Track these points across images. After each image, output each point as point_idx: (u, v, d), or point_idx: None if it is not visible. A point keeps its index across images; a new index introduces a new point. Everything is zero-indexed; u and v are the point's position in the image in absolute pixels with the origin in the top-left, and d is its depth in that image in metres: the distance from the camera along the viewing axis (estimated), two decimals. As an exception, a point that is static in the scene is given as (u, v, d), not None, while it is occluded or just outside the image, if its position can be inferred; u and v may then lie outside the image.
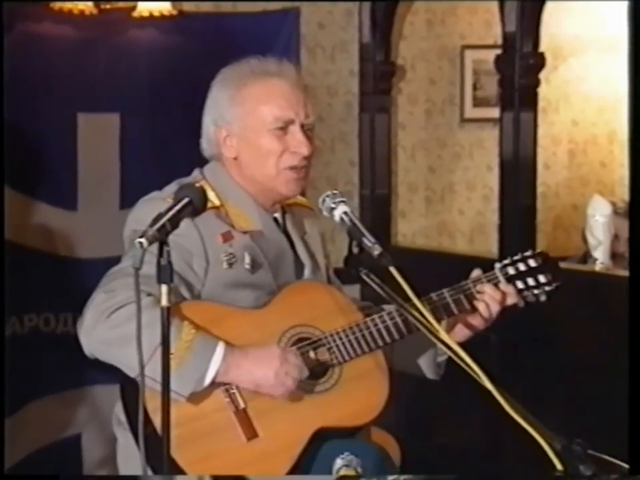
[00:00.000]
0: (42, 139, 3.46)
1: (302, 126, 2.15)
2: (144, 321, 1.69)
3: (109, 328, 1.93)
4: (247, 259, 2.11)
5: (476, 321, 2.18)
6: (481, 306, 2.15)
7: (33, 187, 3.46)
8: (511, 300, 2.18)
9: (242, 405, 2.00)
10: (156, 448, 1.74)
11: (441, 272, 2.85)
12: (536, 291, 2.21)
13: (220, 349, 1.96)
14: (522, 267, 2.21)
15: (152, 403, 1.75)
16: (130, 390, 1.97)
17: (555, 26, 4.81)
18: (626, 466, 1.84)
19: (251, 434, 2.00)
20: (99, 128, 3.56)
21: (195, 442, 1.95)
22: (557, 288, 2.20)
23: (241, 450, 1.99)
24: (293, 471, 2.00)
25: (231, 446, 1.99)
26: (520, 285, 2.20)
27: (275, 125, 2.13)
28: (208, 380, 1.95)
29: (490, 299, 2.15)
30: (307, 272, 2.24)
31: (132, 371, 1.92)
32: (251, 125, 2.15)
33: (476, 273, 2.21)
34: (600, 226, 3.92)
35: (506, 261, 2.22)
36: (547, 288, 2.21)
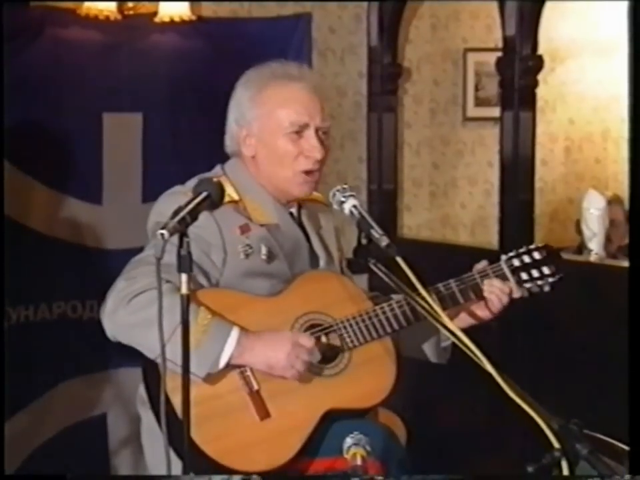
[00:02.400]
0: (70, 137, 3.46)
1: (317, 130, 2.13)
2: (163, 306, 1.68)
3: (130, 313, 1.93)
4: (264, 250, 2.10)
5: (484, 313, 2.17)
6: (493, 299, 2.14)
7: (62, 183, 3.47)
8: (518, 294, 2.17)
9: (255, 387, 2.00)
10: (174, 427, 1.73)
11: (444, 262, 2.84)
12: (540, 282, 2.19)
13: (234, 332, 1.95)
14: (527, 259, 2.19)
15: (170, 384, 1.75)
16: (151, 372, 1.97)
17: (553, 30, 4.77)
18: (620, 445, 1.83)
19: (264, 414, 1.99)
20: (123, 127, 3.57)
21: (210, 421, 1.95)
22: (561, 279, 2.17)
23: (254, 429, 1.98)
24: (304, 449, 2.00)
25: (244, 425, 1.98)
26: (524, 276, 2.18)
27: (290, 128, 2.12)
28: (223, 362, 1.94)
29: (501, 293, 2.14)
30: (321, 263, 2.23)
31: (151, 352, 1.92)
32: (269, 127, 2.13)
33: (482, 264, 2.20)
34: (594, 219, 3.89)
35: (511, 253, 2.20)
36: (551, 279, 2.19)
